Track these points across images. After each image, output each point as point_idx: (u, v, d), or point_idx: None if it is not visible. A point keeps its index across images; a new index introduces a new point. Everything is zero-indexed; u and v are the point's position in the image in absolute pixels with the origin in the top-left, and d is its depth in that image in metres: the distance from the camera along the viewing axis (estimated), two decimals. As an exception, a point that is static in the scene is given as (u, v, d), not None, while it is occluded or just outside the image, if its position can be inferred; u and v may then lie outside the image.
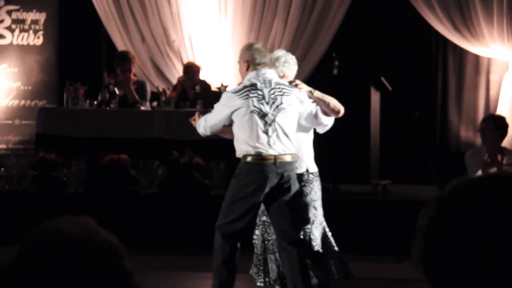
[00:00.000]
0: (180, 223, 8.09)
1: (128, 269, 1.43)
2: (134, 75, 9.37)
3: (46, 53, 10.37)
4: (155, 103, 9.00)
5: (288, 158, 5.39)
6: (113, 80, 8.85)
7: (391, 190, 8.87)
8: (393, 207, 8.09)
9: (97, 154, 8.42)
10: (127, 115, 8.84)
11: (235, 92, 5.43)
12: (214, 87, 9.39)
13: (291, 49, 10.24)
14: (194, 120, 5.80)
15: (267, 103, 5.36)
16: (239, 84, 5.72)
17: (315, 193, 5.67)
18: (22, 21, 10.39)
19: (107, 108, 8.79)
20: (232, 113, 5.37)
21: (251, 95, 5.35)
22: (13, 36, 10.37)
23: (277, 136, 5.36)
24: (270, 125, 5.35)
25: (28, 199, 8.33)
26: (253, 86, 5.38)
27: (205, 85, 9.31)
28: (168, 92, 9.09)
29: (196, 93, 9.07)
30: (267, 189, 5.33)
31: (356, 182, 8.68)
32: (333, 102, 5.55)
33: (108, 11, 10.50)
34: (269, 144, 5.34)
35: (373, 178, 8.69)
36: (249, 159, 5.37)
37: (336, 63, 8.77)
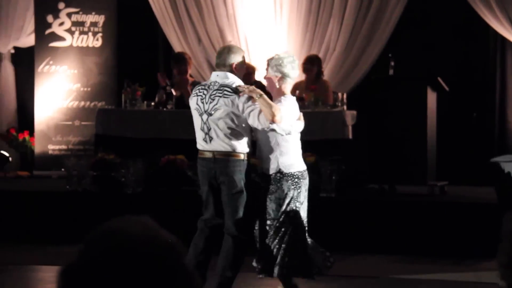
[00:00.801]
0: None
1: (189, 268, 1.46)
2: (191, 76, 9.46)
3: (105, 55, 10.50)
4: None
5: (224, 156, 5.72)
6: (167, 81, 8.95)
7: (448, 191, 8.78)
8: (450, 209, 8.02)
9: (154, 155, 8.51)
10: (183, 116, 8.90)
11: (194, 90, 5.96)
12: (269, 88, 9.42)
13: (346, 50, 10.25)
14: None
15: (206, 103, 5.75)
16: None
17: (282, 192, 5.72)
18: (82, 24, 10.54)
19: (164, 109, 8.89)
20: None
21: (198, 93, 5.82)
22: (73, 38, 10.53)
23: (215, 134, 5.73)
24: (205, 123, 5.76)
25: (87, 199, 8.46)
26: (203, 86, 5.86)
27: (260, 86, 9.33)
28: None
29: (252, 94, 9.11)
30: (208, 183, 5.83)
31: (413, 183, 8.62)
32: (271, 110, 5.59)
33: (165, 12, 10.61)
34: (205, 141, 5.79)
35: (430, 179, 8.62)
36: (198, 154, 5.91)
37: (392, 63, 8.73)
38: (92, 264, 1.41)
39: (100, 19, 10.53)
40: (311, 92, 8.94)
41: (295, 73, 5.96)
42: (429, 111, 8.61)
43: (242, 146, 5.75)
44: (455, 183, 9.10)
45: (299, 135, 5.90)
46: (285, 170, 5.75)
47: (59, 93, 10.44)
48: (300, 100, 8.96)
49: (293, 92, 9.29)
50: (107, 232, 1.46)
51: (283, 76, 5.85)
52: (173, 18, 10.58)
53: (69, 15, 10.53)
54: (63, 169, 8.93)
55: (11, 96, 11.08)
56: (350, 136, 8.71)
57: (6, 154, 10.31)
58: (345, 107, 8.80)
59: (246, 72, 9.35)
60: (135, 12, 10.81)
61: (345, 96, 8.91)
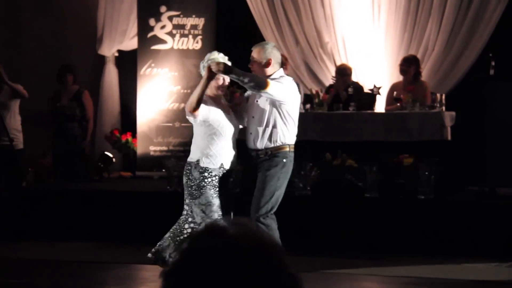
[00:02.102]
0: (333, 225, 8.14)
1: (290, 270, 1.46)
2: (288, 77, 9.50)
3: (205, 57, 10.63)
4: (308, 105, 9.10)
5: None
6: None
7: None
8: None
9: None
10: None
11: (292, 83, 6.37)
12: (366, 89, 9.39)
13: (445, 50, 10.09)
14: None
15: None
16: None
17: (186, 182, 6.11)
18: (182, 26, 10.72)
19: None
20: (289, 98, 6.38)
21: (298, 88, 6.56)
22: (173, 41, 10.72)
23: None
24: None
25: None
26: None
27: (357, 87, 9.32)
28: (321, 95, 9.17)
29: (349, 95, 9.10)
30: None
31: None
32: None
33: (263, 14, 10.70)
34: None
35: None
36: (292, 148, 6.41)
37: (493, 63, 8.56)
38: (194, 264, 1.44)
39: (200, 21, 10.69)
40: (409, 93, 8.86)
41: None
42: (531, 111, 8.40)
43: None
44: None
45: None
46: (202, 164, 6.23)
47: (160, 95, 10.65)
48: (397, 100, 8.91)
49: (390, 93, 9.28)
50: (209, 232, 1.49)
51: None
52: (271, 20, 10.65)
53: (170, 18, 10.73)
54: (164, 170, 9.11)
55: (115, 98, 11.35)
56: (449, 138, 8.59)
57: (110, 155, 10.56)
58: (443, 108, 8.68)
59: (343, 73, 9.39)
60: (233, 15, 10.93)
61: (443, 97, 8.78)
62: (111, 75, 11.39)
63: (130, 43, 11.27)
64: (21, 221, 8.82)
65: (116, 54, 11.47)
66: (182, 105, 10.63)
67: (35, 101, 9.92)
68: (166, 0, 10.73)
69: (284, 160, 6.21)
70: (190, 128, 9.97)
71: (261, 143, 6.23)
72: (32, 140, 9.88)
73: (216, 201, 6.08)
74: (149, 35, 10.71)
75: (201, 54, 10.66)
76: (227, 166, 6.18)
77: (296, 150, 8.57)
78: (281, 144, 6.21)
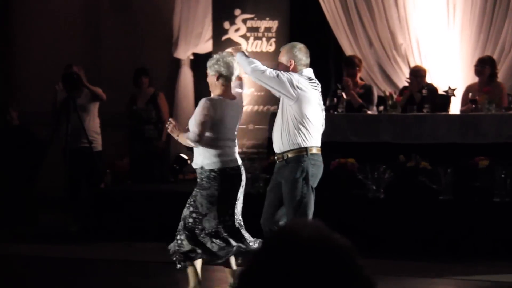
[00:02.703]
0: (407, 227, 8.10)
1: (364, 272, 1.46)
2: (361, 79, 9.49)
3: (278, 60, 10.68)
4: (381, 107, 9.07)
5: None
6: (338, 85, 9.05)
7: None
8: None
9: (325, 158, 8.59)
10: (354, 119, 8.98)
11: (309, 80, 6.32)
12: (441, 91, 9.29)
13: (522, 51, 9.91)
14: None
15: (320, 99, 6.41)
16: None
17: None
18: (256, 29, 10.79)
19: (335, 112, 8.97)
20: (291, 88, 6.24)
21: (315, 87, 6.33)
22: (247, 43, 10.80)
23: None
24: (323, 119, 6.43)
25: (260, 201, 8.65)
26: (314, 81, 6.34)
27: (432, 89, 9.24)
28: (394, 96, 9.13)
29: (423, 96, 9.03)
30: None
31: None
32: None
33: (337, 16, 10.68)
34: (321, 137, 6.41)
35: None
36: (314, 151, 6.22)
37: None
38: (268, 266, 1.45)
39: (274, 24, 10.74)
40: (484, 94, 8.74)
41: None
42: None
43: None
44: None
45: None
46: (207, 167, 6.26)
47: (234, 98, 10.74)
48: (472, 102, 8.80)
49: (465, 95, 9.17)
50: (282, 234, 1.50)
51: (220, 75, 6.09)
52: (345, 21, 10.63)
53: (244, 21, 10.81)
54: (237, 172, 9.18)
55: (190, 101, 11.50)
56: (526, 140, 8.44)
57: (185, 157, 10.71)
58: (520, 109, 8.55)
59: (417, 74, 9.32)
60: (307, 17, 10.96)
61: (521, 98, 8.65)
62: (186, 78, 11.54)
63: (205, 46, 11.39)
64: (99, 222, 9.03)
65: (191, 57, 11.61)
66: (256, 107, 10.72)
67: (113, 104, 10.13)
68: (241, 3, 10.81)
69: (302, 165, 6.04)
70: (263, 131, 10.11)
71: (278, 147, 6.18)
72: (110, 142, 10.10)
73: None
74: (224, 38, 10.81)
75: (274, 56, 10.71)
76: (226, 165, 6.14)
77: (368, 152, 8.59)
78: (297, 147, 6.07)
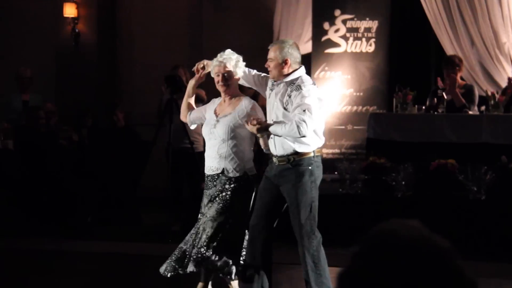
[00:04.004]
0: (510, 229, 7.95)
1: (466, 272, 1.45)
2: (462, 78, 9.35)
3: (377, 60, 10.66)
4: (483, 107, 8.91)
5: None
6: (439, 86, 8.95)
7: None
8: None
9: (425, 159, 8.53)
10: (455, 119, 8.85)
11: (314, 84, 5.67)
12: (546, 90, 9.06)
13: None
14: (256, 124, 5.66)
15: None
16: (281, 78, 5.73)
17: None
18: (356, 30, 10.77)
19: (435, 113, 8.87)
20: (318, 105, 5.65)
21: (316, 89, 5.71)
22: (347, 44, 10.79)
23: None
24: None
25: (359, 202, 8.68)
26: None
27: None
28: (497, 96, 8.95)
29: (526, 96, 8.83)
30: None
31: None
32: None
33: (438, 15, 10.54)
34: None
35: None
36: (317, 153, 5.68)
37: None
38: (367, 267, 1.45)
39: (374, 24, 10.69)
40: None
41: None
42: None
43: None
44: None
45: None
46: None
47: (333, 98, 10.75)
48: None
49: None
50: (381, 234, 1.49)
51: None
52: (446, 21, 10.48)
53: (344, 21, 10.80)
54: (336, 173, 9.21)
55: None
56: None
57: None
58: None
59: None
60: (407, 17, 10.86)
61: None
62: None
63: (305, 47, 11.41)
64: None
65: (291, 58, 11.66)
66: (355, 107, 10.70)
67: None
68: (341, 4, 10.81)
69: (310, 168, 5.64)
70: (362, 131, 10.09)
71: (282, 149, 5.68)
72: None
73: (202, 201, 5.99)
74: (323, 38, 10.83)
75: (374, 57, 10.69)
76: (206, 171, 5.97)
77: (468, 153, 8.46)
78: (305, 150, 5.66)
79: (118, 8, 12.69)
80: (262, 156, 6.32)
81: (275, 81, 5.76)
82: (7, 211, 9.29)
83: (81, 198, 9.80)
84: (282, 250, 8.22)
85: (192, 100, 6.31)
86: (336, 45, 10.81)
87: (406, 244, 1.44)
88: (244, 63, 6.01)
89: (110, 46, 12.66)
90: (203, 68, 6.14)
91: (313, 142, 5.65)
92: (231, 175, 5.85)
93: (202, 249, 5.81)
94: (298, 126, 5.41)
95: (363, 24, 10.71)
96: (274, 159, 5.74)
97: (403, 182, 8.49)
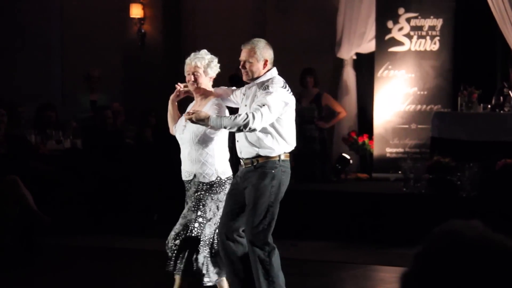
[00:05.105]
0: None
1: None
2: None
3: (442, 58, 10.57)
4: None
5: None
6: (505, 83, 8.84)
7: None
8: None
9: (490, 158, 8.44)
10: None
11: (284, 87, 5.47)
12: None
13: None
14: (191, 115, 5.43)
15: None
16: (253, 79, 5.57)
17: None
18: (420, 28, 10.70)
19: (501, 111, 8.78)
20: (283, 108, 5.42)
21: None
22: (411, 42, 10.73)
23: None
24: None
25: (423, 201, 8.63)
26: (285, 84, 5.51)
27: None
28: None
29: None
30: None
31: None
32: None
33: (505, 13, 10.38)
34: None
35: None
36: (283, 157, 5.44)
37: None
38: (432, 268, 1.45)
39: (438, 22, 10.61)
40: None
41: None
42: None
43: None
44: None
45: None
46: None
47: (397, 97, 10.71)
48: None
49: None
50: (444, 235, 1.48)
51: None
52: (512, 18, 10.34)
53: (408, 20, 10.74)
54: (400, 172, 9.17)
55: (352, 101, 11.55)
56: None
57: (348, 156, 10.77)
58: None
59: None
60: (472, 15, 10.74)
61: None
62: (349, 77, 11.58)
63: (368, 45, 11.40)
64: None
65: (354, 57, 11.65)
66: (419, 106, 10.63)
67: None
68: (405, 2, 10.75)
69: (273, 171, 5.38)
70: (426, 130, 10.03)
71: (247, 152, 5.47)
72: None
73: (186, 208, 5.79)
74: (387, 37, 10.79)
75: (438, 55, 10.61)
76: (182, 176, 5.85)
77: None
78: (268, 154, 5.41)
79: (183, 8, 12.84)
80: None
81: (247, 84, 5.61)
82: (77, 209, 9.49)
83: (147, 197, 9.95)
84: (342, 250, 8.21)
85: (175, 113, 6.09)
86: (400, 43, 10.76)
87: (471, 244, 1.44)
88: (219, 65, 5.86)
89: (175, 45, 12.80)
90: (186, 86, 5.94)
91: (277, 146, 5.42)
92: (202, 180, 5.68)
93: (170, 243, 5.69)
94: (247, 116, 5.22)
95: (427, 22, 10.64)
96: (242, 162, 5.57)
97: (469, 182, 8.40)
